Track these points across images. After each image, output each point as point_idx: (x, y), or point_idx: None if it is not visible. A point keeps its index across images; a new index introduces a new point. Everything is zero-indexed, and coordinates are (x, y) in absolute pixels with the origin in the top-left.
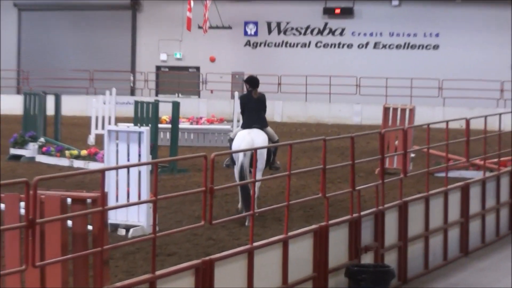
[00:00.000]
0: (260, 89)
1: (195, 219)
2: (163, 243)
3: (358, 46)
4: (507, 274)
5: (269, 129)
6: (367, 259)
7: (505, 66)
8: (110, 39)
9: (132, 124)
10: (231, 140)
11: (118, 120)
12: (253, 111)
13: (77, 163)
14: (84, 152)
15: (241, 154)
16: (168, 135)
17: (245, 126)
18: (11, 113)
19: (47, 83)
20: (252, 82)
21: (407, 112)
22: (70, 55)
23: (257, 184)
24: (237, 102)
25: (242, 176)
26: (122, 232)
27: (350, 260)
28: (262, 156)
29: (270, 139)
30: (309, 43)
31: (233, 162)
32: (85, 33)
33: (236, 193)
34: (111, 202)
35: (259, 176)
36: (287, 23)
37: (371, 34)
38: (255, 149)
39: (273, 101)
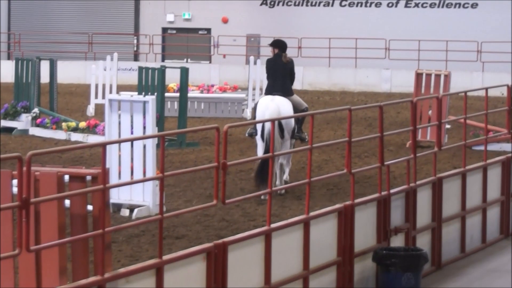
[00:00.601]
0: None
1: (206, 198)
2: (171, 224)
3: (388, 4)
4: None
5: (294, 97)
6: (397, 242)
7: None
8: None
9: (136, 93)
10: (254, 109)
11: (120, 88)
12: (279, 76)
13: (75, 136)
14: (82, 124)
15: (266, 122)
16: (176, 105)
17: (267, 92)
18: (1, 80)
19: (41, 47)
20: (281, 45)
21: (442, 78)
22: (66, 16)
23: (286, 169)
24: (252, 68)
25: (267, 146)
26: (125, 212)
27: (378, 243)
28: (289, 125)
29: (297, 107)
30: (333, 1)
31: (257, 131)
32: None
33: (251, 169)
34: (113, 179)
35: (286, 148)
36: None
37: None
38: (276, 119)
39: None
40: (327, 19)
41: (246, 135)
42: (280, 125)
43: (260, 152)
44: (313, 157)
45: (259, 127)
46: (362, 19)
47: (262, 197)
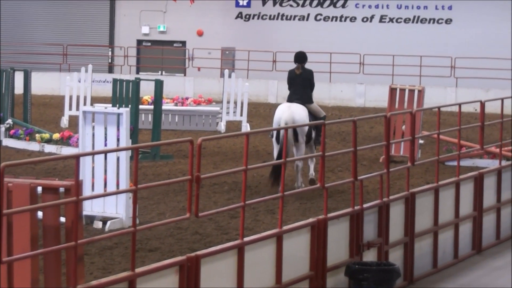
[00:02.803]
0: (253, 66)
1: (180, 211)
2: (144, 237)
3: (362, 19)
4: None
5: (313, 105)
6: (370, 256)
7: None
8: (85, 10)
9: (110, 105)
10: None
11: (95, 100)
12: (297, 86)
13: (49, 148)
14: (56, 136)
15: (282, 124)
16: (150, 117)
17: (288, 100)
18: None
19: (15, 58)
20: (296, 57)
21: (416, 93)
22: (41, 27)
23: (300, 163)
24: (227, 81)
25: (281, 148)
26: (98, 225)
27: (351, 258)
28: (303, 129)
29: (316, 115)
30: (308, 15)
31: (273, 134)
32: (58, 3)
33: (225, 182)
34: (87, 191)
35: (301, 150)
36: None
37: (376, 6)
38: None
39: (267, 80)
40: (302, 33)
41: (269, 136)
42: (295, 129)
43: (275, 153)
44: (286, 171)
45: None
46: (337, 34)
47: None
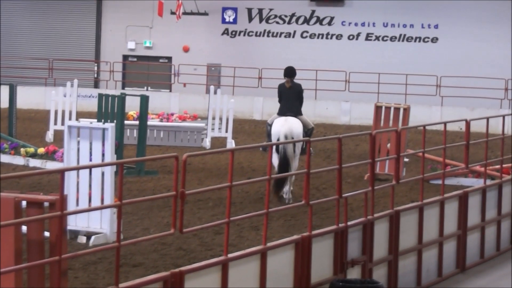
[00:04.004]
0: (238, 82)
1: (164, 226)
2: (128, 252)
3: (348, 37)
4: None
5: (303, 117)
6: (354, 274)
7: (510, 62)
8: (71, 24)
9: (95, 120)
10: (268, 126)
11: (80, 115)
12: (288, 99)
13: (34, 162)
14: (41, 150)
15: (281, 137)
16: (135, 132)
17: (279, 113)
18: None
19: (0, 72)
20: (286, 71)
21: (401, 111)
22: (27, 42)
23: (292, 179)
24: (212, 97)
25: (285, 161)
26: (82, 239)
27: (335, 275)
28: (299, 143)
29: (305, 127)
30: (294, 32)
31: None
32: (43, 17)
33: (209, 198)
34: (71, 206)
35: (296, 162)
36: (270, 10)
37: (362, 24)
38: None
39: (252, 97)
40: (287, 50)
41: (260, 149)
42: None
43: (275, 162)
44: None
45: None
46: (323, 51)
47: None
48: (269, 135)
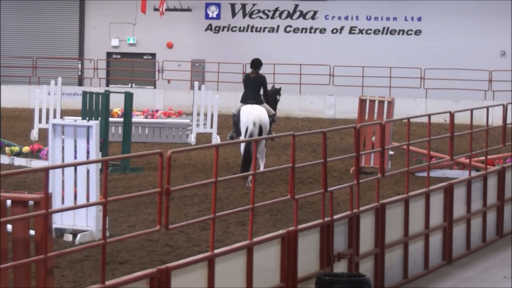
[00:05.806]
0: (223, 78)
1: (150, 223)
2: (114, 249)
3: (332, 31)
4: (494, 284)
5: (265, 105)
6: (340, 267)
7: (494, 54)
8: (55, 22)
9: (79, 118)
10: (234, 116)
11: (64, 113)
12: (251, 88)
13: (18, 161)
14: (26, 149)
15: (250, 124)
16: (120, 129)
17: (242, 100)
18: None
19: None
20: (252, 62)
21: (386, 104)
22: (10, 40)
23: (263, 162)
24: (197, 93)
25: (247, 144)
26: (68, 237)
27: (322, 269)
28: (265, 127)
29: (268, 113)
30: (278, 27)
31: (238, 133)
32: (27, 15)
33: (195, 194)
34: (56, 204)
35: (262, 145)
36: (253, 5)
37: (346, 18)
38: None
39: (237, 92)
40: (272, 45)
41: (228, 138)
42: (260, 128)
43: (242, 148)
44: (256, 183)
45: (243, 129)
46: (307, 45)
47: (247, 184)
48: (236, 124)
